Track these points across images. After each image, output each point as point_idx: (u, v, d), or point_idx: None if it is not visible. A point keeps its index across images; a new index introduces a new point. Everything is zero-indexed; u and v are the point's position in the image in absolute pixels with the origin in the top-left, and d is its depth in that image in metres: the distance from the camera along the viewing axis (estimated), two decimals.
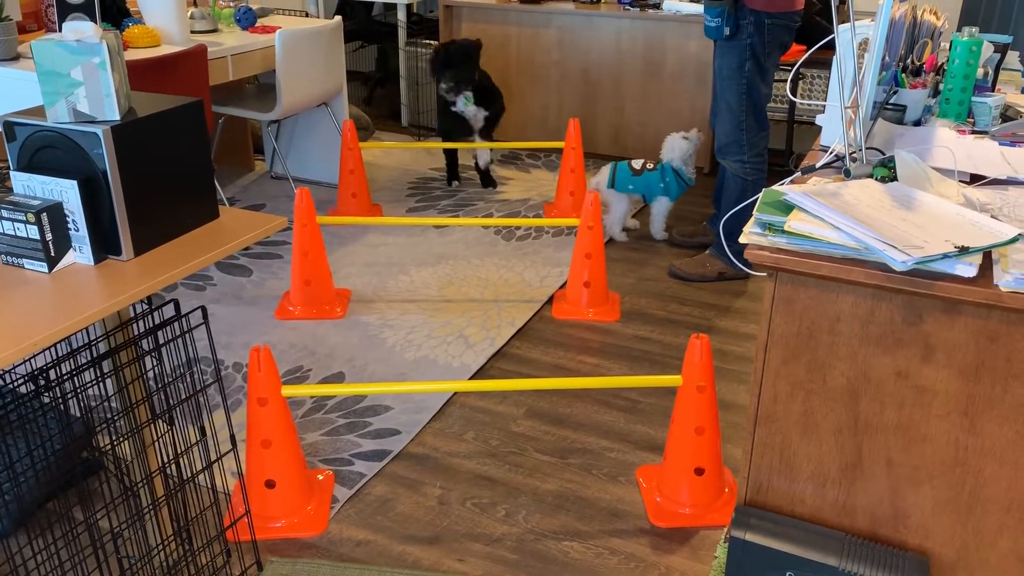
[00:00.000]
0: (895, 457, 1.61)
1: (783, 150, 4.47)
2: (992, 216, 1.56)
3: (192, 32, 3.71)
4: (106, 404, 1.66)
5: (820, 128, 2.02)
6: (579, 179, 3.95)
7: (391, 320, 3.10)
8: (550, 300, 3.25)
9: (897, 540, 1.68)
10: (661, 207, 3.63)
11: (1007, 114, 2.13)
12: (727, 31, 3.01)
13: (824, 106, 1.99)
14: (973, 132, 1.99)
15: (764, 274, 1.64)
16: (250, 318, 3.11)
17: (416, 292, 3.31)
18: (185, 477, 1.81)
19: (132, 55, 3.28)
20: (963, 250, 1.42)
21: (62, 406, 1.55)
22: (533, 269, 3.49)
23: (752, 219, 1.62)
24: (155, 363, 1.72)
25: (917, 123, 2.04)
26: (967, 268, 1.42)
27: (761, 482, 1.77)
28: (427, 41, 5.25)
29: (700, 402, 2.07)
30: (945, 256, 1.42)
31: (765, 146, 3.23)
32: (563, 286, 3.30)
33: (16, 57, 3.16)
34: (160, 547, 1.82)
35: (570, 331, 3.08)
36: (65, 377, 1.51)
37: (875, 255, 1.46)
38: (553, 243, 3.73)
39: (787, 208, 1.59)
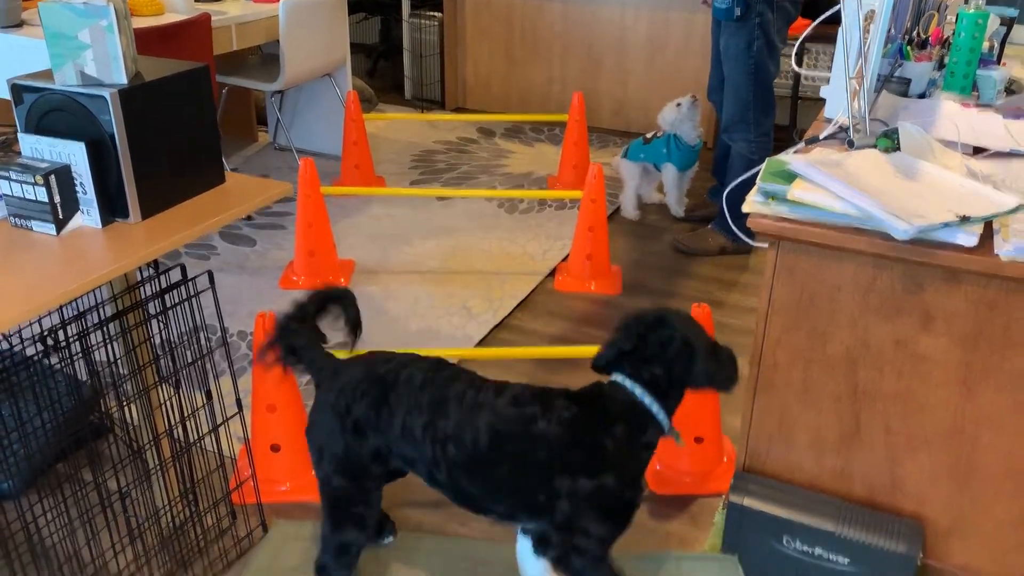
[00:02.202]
0: (893, 425, 1.63)
1: (787, 126, 4.46)
2: (994, 187, 1.57)
3: (196, 0, 3.70)
4: (114, 367, 1.68)
5: (824, 103, 2.02)
6: (582, 152, 3.94)
7: (394, 291, 3.12)
8: (552, 273, 3.26)
9: (893, 507, 1.70)
10: (670, 176, 3.61)
11: (1012, 88, 2.13)
12: (738, 11, 2.99)
13: (829, 78, 1.99)
14: (978, 105, 1.99)
15: (766, 245, 1.65)
16: (254, 288, 3.12)
17: (419, 264, 3.32)
18: (191, 440, 1.84)
19: (135, 23, 3.27)
20: (964, 219, 1.43)
21: (70, 368, 1.57)
22: (536, 242, 3.50)
23: (755, 188, 1.63)
24: (161, 327, 1.74)
25: (922, 96, 2.04)
26: (968, 237, 1.44)
27: (760, 449, 1.79)
28: (431, 13, 5.22)
29: None
30: (946, 225, 1.43)
31: (771, 125, 3.23)
32: (565, 259, 3.31)
33: (20, 24, 3.15)
34: (167, 508, 1.85)
35: (572, 303, 3.10)
36: (73, 339, 1.53)
37: (877, 224, 1.47)
38: (556, 216, 3.73)
39: (790, 177, 1.60)
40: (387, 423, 1.53)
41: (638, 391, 1.53)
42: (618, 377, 1.56)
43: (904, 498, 1.69)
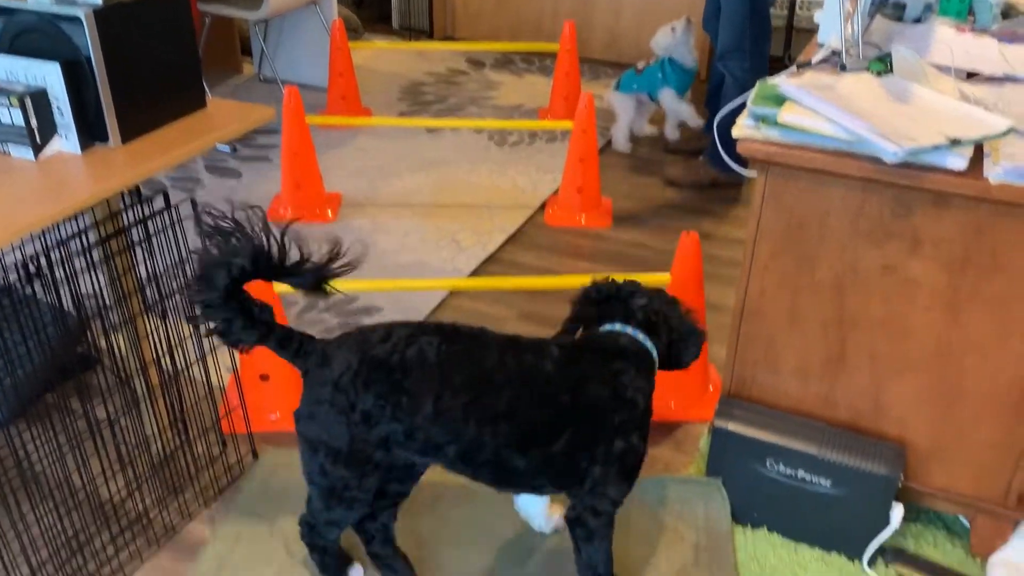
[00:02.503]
0: (878, 350, 1.64)
1: (780, 57, 4.39)
2: (986, 111, 1.55)
3: None
4: (99, 295, 1.67)
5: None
6: (574, 84, 3.88)
7: (383, 224, 3.09)
8: (543, 206, 3.24)
9: (877, 431, 1.72)
10: (669, 100, 3.55)
11: (1008, 12, 2.08)
12: None
13: (823, 1, 1.95)
14: (973, 30, 1.95)
15: (756, 174, 1.63)
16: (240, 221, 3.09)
17: (408, 197, 3.29)
18: (179, 367, 1.84)
19: None
20: (955, 142, 1.42)
21: (55, 296, 1.56)
22: (526, 175, 3.46)
23: (745, 112, 1.61)
24: (146, 255, 1.72)
25: (917, 20, 2.00)
26: (958, 160, 1.42)
27: (745, 376, 1.80)
28: None
29: (687, 298, 2.07)
30: (936, 148, 1.41)
31: (767, 53, 3.17)
32: (556, 192, 3.28)
33: None
34: (156, 436, 1.86)
35: (562, 237, 3.08)
36: (56, 265, 1.51)
37: (867, 147, 1.46)
38: (547, 149, 3.69)
39: (780, 100, 1.58)
40: (410, 410, 1.41)
41: (640, 337, 1.55)
42: (616, 326, 1.56)
43: (887, 422, 1.71)
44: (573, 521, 1.54)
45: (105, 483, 1.74)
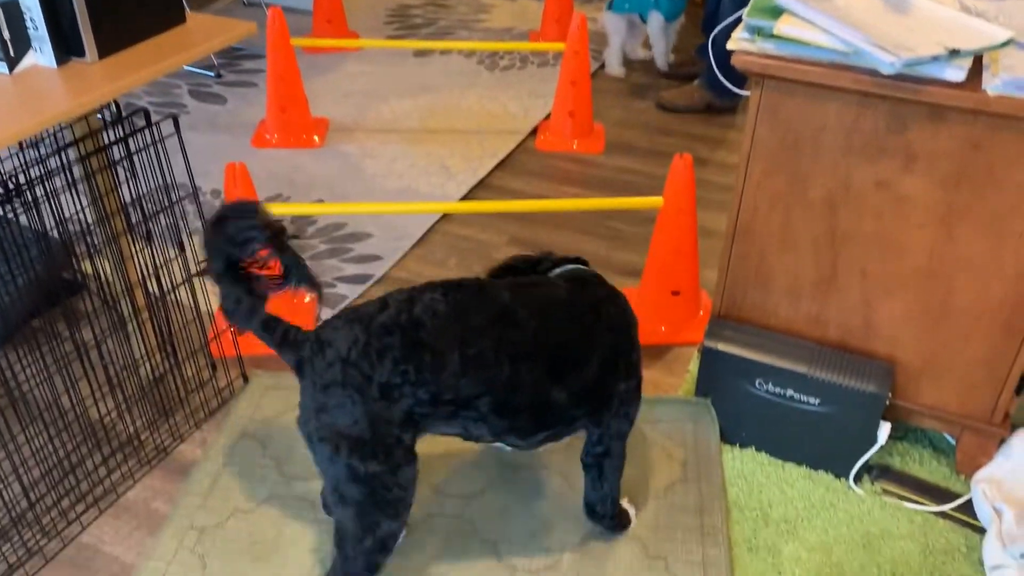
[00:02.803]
0: (870, 268, 1.63)
1: None
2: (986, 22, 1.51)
3: None
4: (81, 216, 1.64)
5: None
6: (566, 5, 3.79)
7: (371, 150, 3.05)
8: (534, 131, 3.19)
9: (866, 350, 1.72)
10: (656, 26, 3.48)
11: None
12: None
13: None
14: None
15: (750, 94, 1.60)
16: (226, 146, 3.04)
17: (397, 122, 3.23)
18: (165, 289, 1.82)
19: None
20: (954, 53, 1.38)
21: (35, 216, 1.53)
22: (517, 100, 3.40)
23: (741, 25, 1.57)
24: (128, 175, 1.69)
25: None
26: (956, 72, 1.39)
27: (736, 296, 1.80)
28: None
29: (680, 223, 2.07)
30: (935, 59, 1.38)
31: None
32: (547, 117, 3.23)
33: None
34: (145, 359, 1.85)
35: (553, 162, 3.04)
36: (35, 181, 1.48)
37: (864, 59, 1.42)
38: (538, 73, 3.62)
39: (777, 12, 1.53)
40: (434, 368, 1.32)
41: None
42: (568, 266, 1.58)
43: (877, 341, 1.71)
44: (599, 457, 1.53)
45: (95, 405, 1.74)
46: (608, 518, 1.61)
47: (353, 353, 1.31)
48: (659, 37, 3.51)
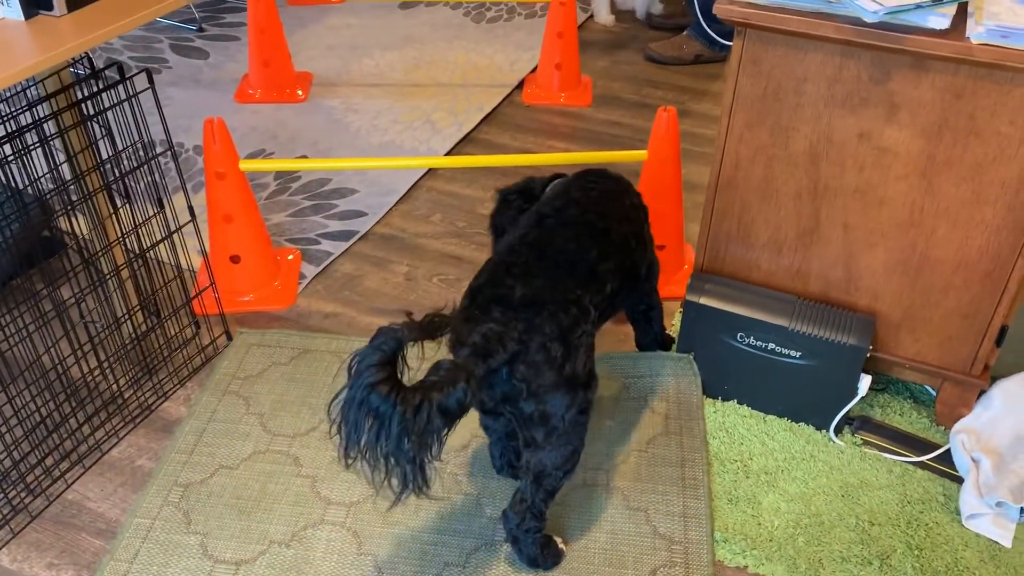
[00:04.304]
0: (852, 220, 1.63)
1: None
2: None
3: None
4: (56, 174, 1.62)
5: None
6: None
7: (355, 104, 3.01)
8: (520, 84, 3.15)
9: (848, 302, 1.72)
10: None
11: None
12: None
13: None
14: None
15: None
16: (209, 101, 3.00)
17: (381, 76, 3.19)
18: (145, 247, 1.81)
19: None
20: (937, 0, 1.36)
21: (10, 175, 1.51)
22: (503, 53, 3.36)
23: None
24: (103, 132, 1.66)
25: None
26: (940, 20, 1.37)
27: (718, 249, 1.79)
28: None
29: (664, 176, 2.05)
30: (918, 6, 1.36)
31: None
32: (534, 70, 3.19)
33: None
34: (126, 317, 1.85)
35: (540, 116, 3.01)
36: (4, 139, 1.46)
37: (846, 7, 1.40)
38: (525, 26, 3.57)
39: None
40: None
41: None
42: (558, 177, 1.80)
43: (859, 294, 1.71)
44: (645, 312, 1.84)
45: (76, 363, 1.74)
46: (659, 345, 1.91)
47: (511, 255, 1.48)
48: None
